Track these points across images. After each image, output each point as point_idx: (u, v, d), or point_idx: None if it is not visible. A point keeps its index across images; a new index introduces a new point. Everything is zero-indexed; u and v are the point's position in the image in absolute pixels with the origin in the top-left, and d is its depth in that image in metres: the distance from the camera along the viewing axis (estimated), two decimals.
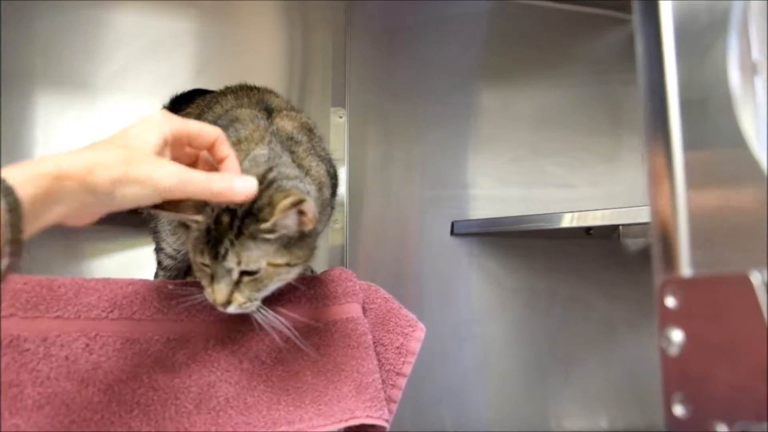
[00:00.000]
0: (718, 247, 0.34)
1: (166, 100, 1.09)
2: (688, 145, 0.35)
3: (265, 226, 0.61)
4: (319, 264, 1.22)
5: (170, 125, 0.57)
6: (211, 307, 0.68)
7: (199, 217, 0.61)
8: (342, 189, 1.30)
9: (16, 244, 0.46)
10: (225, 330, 0.68)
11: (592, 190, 1.45)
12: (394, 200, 1.35)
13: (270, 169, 0.65)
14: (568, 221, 1.17)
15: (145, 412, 0.62)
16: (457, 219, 1.36)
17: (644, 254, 1.43)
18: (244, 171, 0.64)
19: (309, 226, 0.64)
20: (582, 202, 1.42)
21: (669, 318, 0.35)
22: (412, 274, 1.35)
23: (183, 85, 1.02)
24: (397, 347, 0.71)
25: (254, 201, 0.61)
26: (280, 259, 0.63)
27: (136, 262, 1.16)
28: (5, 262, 0.45)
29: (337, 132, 1.31)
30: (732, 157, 0.33)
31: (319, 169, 0.75)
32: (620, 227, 1.42)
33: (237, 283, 0.63)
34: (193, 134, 0.59)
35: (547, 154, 1.43)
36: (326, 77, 1.34)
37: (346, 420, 0.63)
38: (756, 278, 0.30)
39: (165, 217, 0.75)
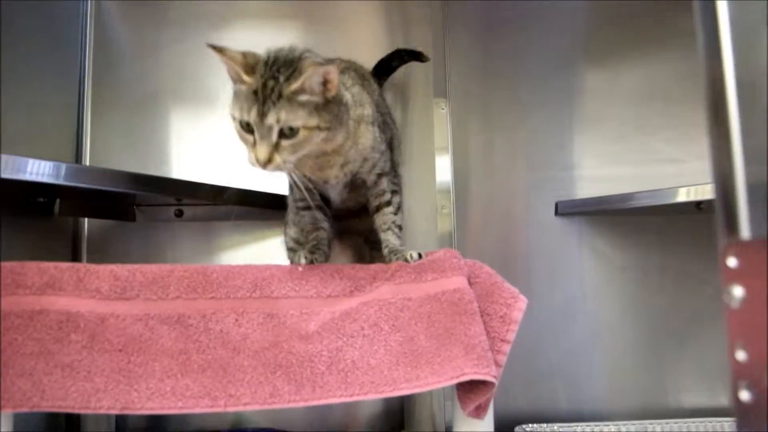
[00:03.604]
0: None
1: None
2: (744, 123, 0.40)
3: (295, 86, 0.74)
4: (430, 248, 1.30)
5: None
6: (336, 284, 0.79)
7: (249, 78, 0.76)
8: (447, 177, 1.38)
9: None
10: (349, 303, 0.79)
11: (701, 165, 1.42)
12: (498, 185, 1.41)
13: (305, 51, 0.80)
14: (684, 196, 1.16)
15: (286, 373, 0.74)
16: (562, 199, 1.39)
17: None
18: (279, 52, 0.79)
19: (332, 92, 0.78)
20: (691, 177, 1.39)
21: (731, 276, 0.40)
22: (519, 254, 1.40)
23: None
24: (501, 316, 0.79)
25: (292, 70, 0.76)
26: (312, 122, 0.76)
27: (266, 252, 1.31)
28: None
29: (440, 123, 1.39)
30: None
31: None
32: None
33: (276, 146, 0.76)
34: None
35: (653, 130, 1.42)
36: (427, 71, 1.41)
37: (457, 377, 0.71)
38: None
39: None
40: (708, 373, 1.35)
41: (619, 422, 1.25)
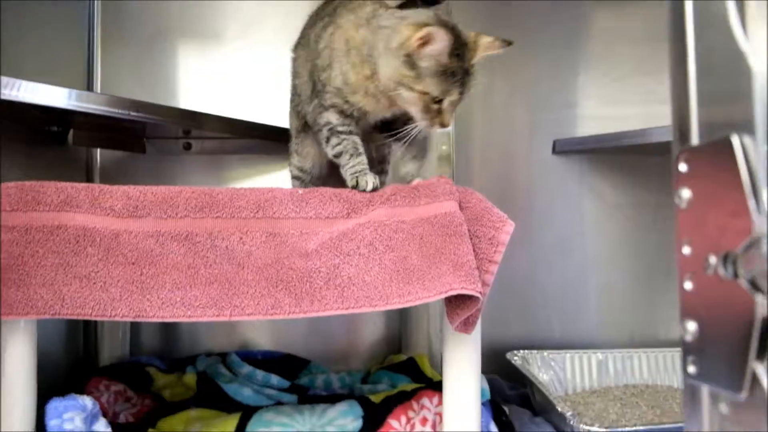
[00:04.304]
0: (720, 126, 0.43)
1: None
2: (699, 50, 0.44)
3: (473, 61, 0.86)
4: None
5: None
6: (334, 206, 0.84)
7: (450, 60, 0.84)
8: None
9: None
10: (346, 224, 0.84)
11: None
12: (498, 122, 1.44)
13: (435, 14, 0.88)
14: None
15: (287, 287, 0.79)
16: (560, 138, 1.42)
17: None
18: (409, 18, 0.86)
19: None
20: None
21: (681, 180, 0.45)
22: (517, 191, 1.44)
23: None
24: (489, 239, 0.83)
25: (466, 46, 0.85)
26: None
27: (269, 185, 1.36)
28: None
29: None
30: (727, 50, 0.41)
31: None
32: None
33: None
34: None
35: (653, 71, 1.44)
36: None
37: (446, 291, 0.76)
38: (736, 140, 0.39)
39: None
40: None
41: (606, 350, 1.32)
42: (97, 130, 1.17)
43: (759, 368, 0.38)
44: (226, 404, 1.14)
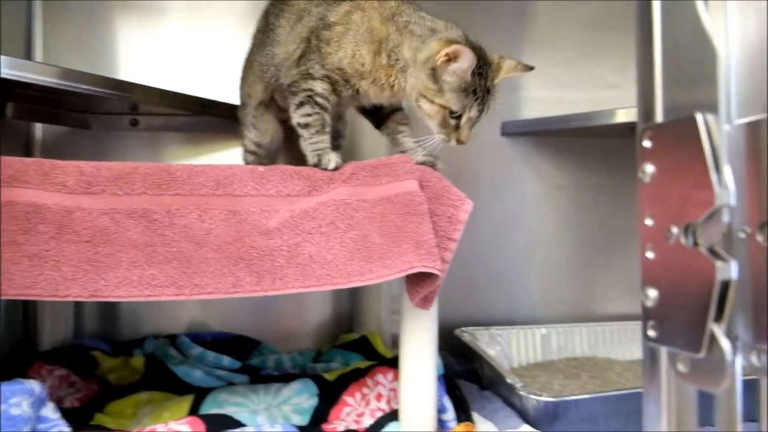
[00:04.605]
0: (684, 105, 0.46)
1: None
2: (665, 38, 0.46)
3: (497, 81, 0.91)
4: None
5: None
6: (295, 184, 0.84)
7: (472, 78, 0.87)
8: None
9: None
10: (307, 202, 0.84)
11: None
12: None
13: (464, 33, 0.91)
14: (622, 117, 1.23)
15: (248, 266, 0.79)
16: (507, 120, 1.46)
17: None
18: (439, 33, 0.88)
19: None
20: (631, 102, 1.47)
21: (645, 156, 0.47)
22: (465, 171, 1.47)
23: (254, 13, 1.11)
24: (449, 217, 0.86)
25: (491, 67, 0.89)
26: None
27: (220, 162, 1.34)
28: None
29: None
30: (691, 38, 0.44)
31: None
32: None
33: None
34: None
35: (599, 57, 1.49)
36: None
37: (406, 269, 0.78)
38: (700, 117, 0.42)
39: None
40: (631, 283, 1.46)
41: (549, 325, 1.37)
42: (38, 103, 1.11)
43: (717, 329, 0.41)
44: (176, 386, 1.13)
